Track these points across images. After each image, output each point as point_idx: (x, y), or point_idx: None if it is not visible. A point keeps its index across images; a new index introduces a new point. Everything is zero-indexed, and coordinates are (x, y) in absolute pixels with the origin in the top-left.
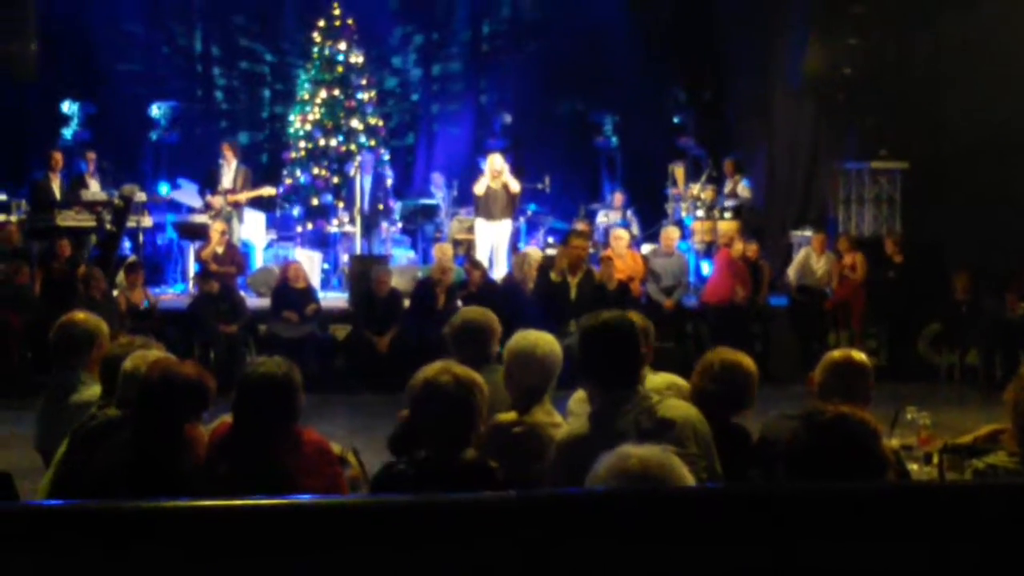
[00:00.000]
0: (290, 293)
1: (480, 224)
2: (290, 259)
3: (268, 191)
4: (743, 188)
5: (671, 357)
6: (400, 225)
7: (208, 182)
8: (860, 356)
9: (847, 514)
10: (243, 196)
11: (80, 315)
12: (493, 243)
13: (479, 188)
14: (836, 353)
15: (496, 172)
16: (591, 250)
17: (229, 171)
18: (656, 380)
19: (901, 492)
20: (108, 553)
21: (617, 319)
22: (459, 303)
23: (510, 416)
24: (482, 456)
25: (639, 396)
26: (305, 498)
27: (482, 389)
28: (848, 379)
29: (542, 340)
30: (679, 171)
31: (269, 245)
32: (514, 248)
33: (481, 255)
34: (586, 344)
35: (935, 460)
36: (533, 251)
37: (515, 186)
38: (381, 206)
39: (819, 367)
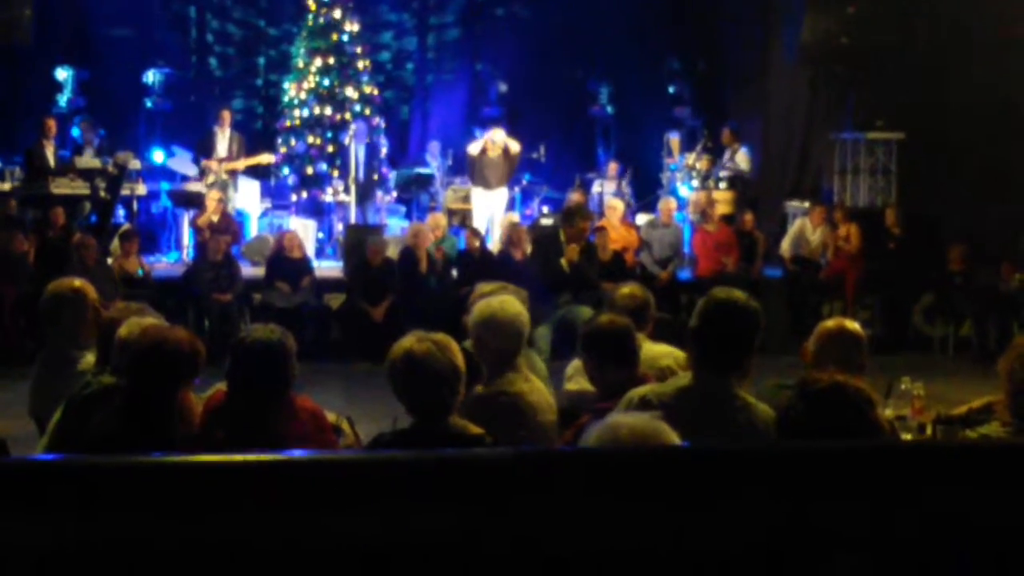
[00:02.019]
0: (285, 262)
1: (477, 193)
2: (284, 228)
3: (267, 158)
4: (742, 157)
5: (667, 327)
6: (395, 195)
7: (201, 148)
8: (853, 325)
9: (839, 472)
10: (241, 163)
11: (68, 281)
12: (491, 212)
13: (474, 148)
14: (829, 323)
15: (494, 144)
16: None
17: (224, 138)
18: (655, 350)
19: (893, 451)
20: (99, 509)
21: (746, 301)
22: (454, 272)
23: (490, 387)
24: (465, 423)
25: (732, 390)
26: (298, 454)
27: (458, 351)
28: (841, 348)
29: (506, 303)
30: (674, 141)
31: (264, 214)
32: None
33: (478, 224)
34: (707, 315)
35: (929, 431)
36: (515, 217)
37: (515, 146)
38: (376, 175)
39: (812, 337)
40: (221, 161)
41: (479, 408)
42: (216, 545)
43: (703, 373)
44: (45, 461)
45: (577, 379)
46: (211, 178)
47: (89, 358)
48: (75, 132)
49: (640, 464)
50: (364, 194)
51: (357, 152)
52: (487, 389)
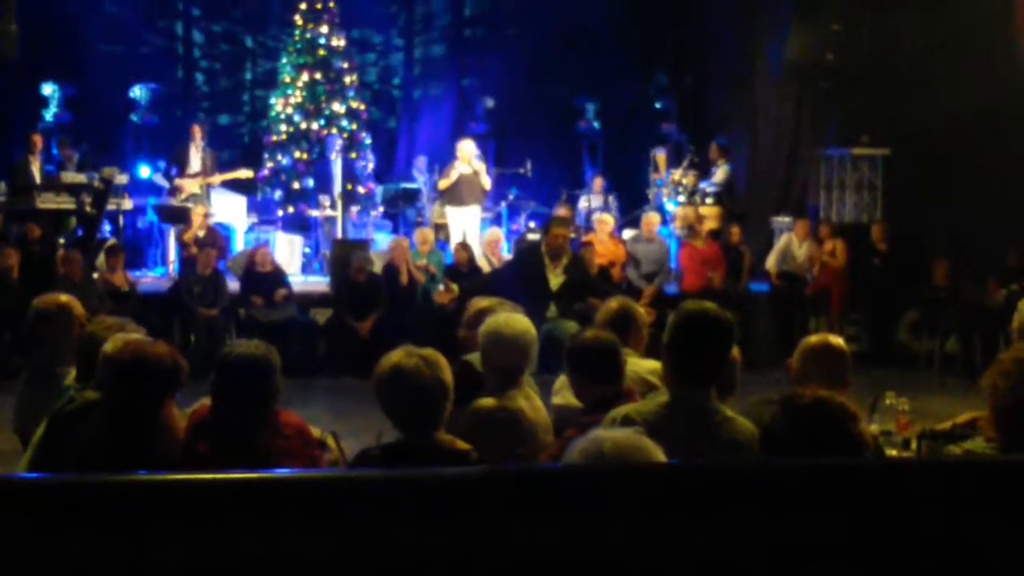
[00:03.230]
0: (257, 277)
1: (450, 211)
2: (271, 243)
3: (245, 173)
4: (723, 173)
5: (653, 343)
6: (382, 209)
7: (176, 163)
8: (837, 341)
9: (822, 489)
10: (217, 178)
11: (54, 297)
12: (464, 229)
13: (444, 183)
14: (813, 338)
15: (468, 157)
16: (572, 235)
17: (198, 153)
18: (643, 365)
19: (874, 468)
20: (83, 526)
21: (717, 312)
22: (441, 287)
23: (489, 402)
24: (452, 438)
25: (712, 404)
26: (283, 472)
27: (447, 367)
28: (825, 364)
29: (514, 320)
30: (661, 157)
31: (250, 229)
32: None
33: (453, 241)
34: (679, 329)
35: (913, 446)
36: (498, 233)
37: (487, 183)
38: (351, 187)
39: (796, 352)
40: (195, 176)
41: (476, 422)
42: (200, 564)
43: (681, 388)
44: (29, 480)
45: (564, 393)
46: (185, 194)
47: (72, 372)
48: (55, 151)
49: (623, 481)
50: (345, 209)
51: (332, 168)
52: (484, 404)
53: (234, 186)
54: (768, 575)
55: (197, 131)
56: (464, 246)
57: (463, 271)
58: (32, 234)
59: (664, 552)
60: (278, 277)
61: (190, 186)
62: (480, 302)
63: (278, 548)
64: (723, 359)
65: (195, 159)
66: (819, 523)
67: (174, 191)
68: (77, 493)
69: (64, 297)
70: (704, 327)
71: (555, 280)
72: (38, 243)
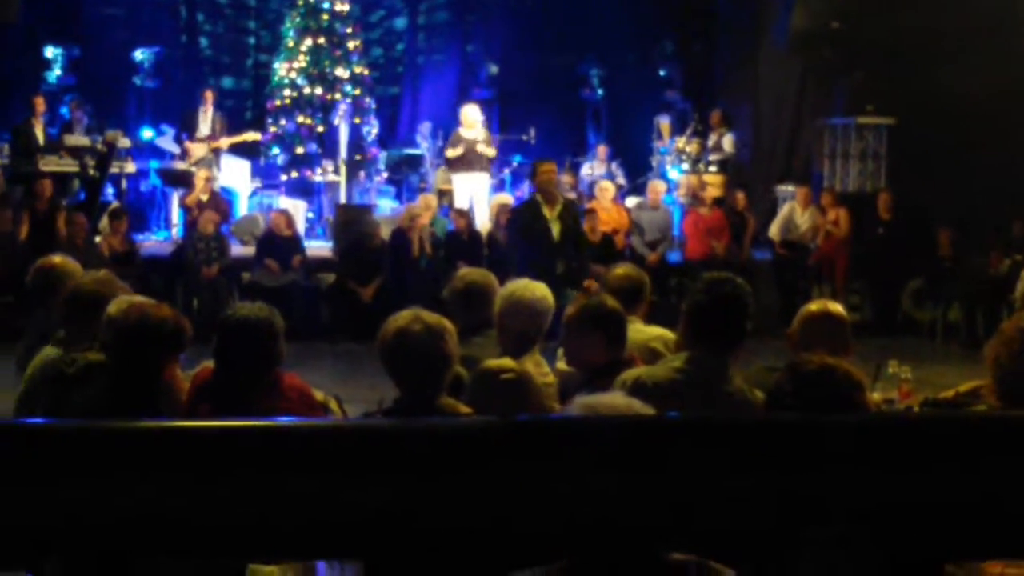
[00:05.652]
0: (275, 241)
1: (457, 177)
2: (274, 207)
3: (252, 136)
4: (728, 141)
5: (657, 310)
6: (385, 175)
7: (185, 127)
8: (836, 308)
9: (826, 444)
10: (226, 142)
11: (55, 258)
12: (472, 195)
13: (452, 153)
14: (813, 306)
15: (473, 123)
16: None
17: (207, 118)
18: (647, 332)
19: (875, 423)
20: (88, 473)
21: (735, 280)
22: (441, 253)
23: (499, 363)
24: (455, 402)
25: (728, 373)
26: (285, 421)
27: (453, 335)
28: (825, 331)
29: (533, 286)
30: (664, 124)
31: (253, 193)
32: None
33: (460, 207)
34: (707, 292)
35: None
36: (507, 198)
37: (491, 152)
38: (359, 156)
39: (796, 320)
40: (204, 140)
41: (481, 383)
42: (190, 514)
43: (699, 353)
44: (34, 425)
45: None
46: (193, 158)
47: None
48: (64, 111)
49: (621, 434)
50: (349, 174)
51: (340, 133)
52: (494, 365)
53: (238, 150)
54: (766, 532)
55: (209, 95)
56: (462, 212)
57: (463, 238)
58: (43, 192)
59: (665, 508)
60: (295, 242)
61: (198, 150)
62: (465, 271)
63: (279, 496)
64: (744, 328)
65: (204, 123)
66: (817, 480)
67: (184, 155)
68: (80, 440)
69: (66, 259)
70: (730, 292)
71: (555, 227)
72: (47, 201)
